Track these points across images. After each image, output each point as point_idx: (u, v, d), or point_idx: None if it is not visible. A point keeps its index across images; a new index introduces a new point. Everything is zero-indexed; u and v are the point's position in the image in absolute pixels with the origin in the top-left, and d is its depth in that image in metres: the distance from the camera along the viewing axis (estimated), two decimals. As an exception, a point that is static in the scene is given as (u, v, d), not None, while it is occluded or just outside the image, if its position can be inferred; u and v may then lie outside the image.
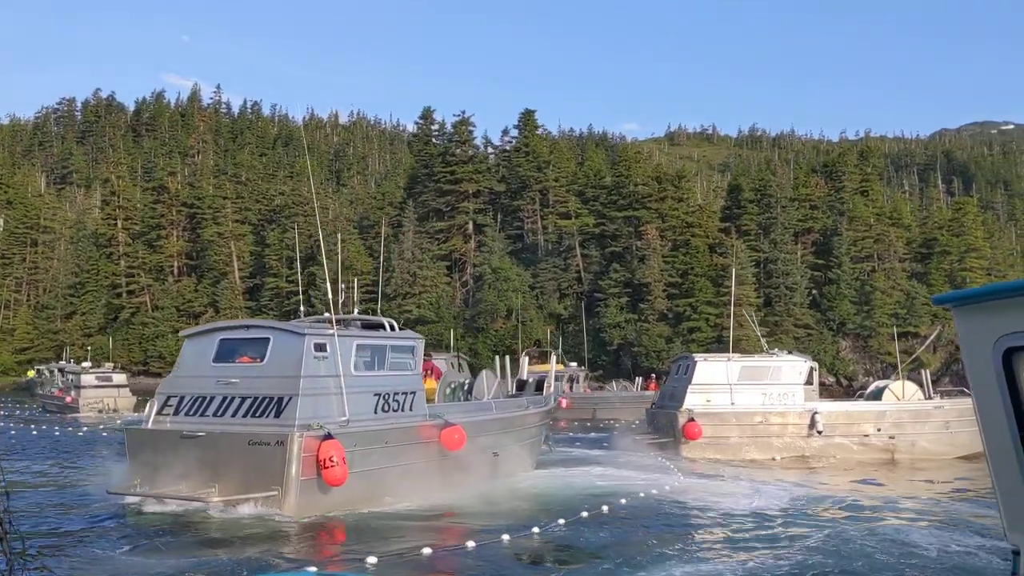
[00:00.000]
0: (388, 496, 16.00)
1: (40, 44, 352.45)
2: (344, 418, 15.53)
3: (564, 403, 43.15)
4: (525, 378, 28.84)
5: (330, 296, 16.53)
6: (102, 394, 47.24)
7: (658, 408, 30.88)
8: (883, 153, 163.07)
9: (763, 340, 31.61)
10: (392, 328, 18.21)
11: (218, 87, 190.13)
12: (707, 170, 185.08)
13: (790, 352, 30.95)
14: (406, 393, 17.24)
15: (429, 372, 26.76)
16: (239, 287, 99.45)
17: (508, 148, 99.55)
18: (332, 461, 14.38)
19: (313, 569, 9.74)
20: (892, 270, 77.53)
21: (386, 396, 16.76)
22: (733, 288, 37.32)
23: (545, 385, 25.12)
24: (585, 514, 15.34)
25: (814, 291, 78.65)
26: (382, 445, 16.19)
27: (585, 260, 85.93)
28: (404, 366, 17.52)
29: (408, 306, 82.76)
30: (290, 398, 15.05)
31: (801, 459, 27.08)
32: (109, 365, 61.94)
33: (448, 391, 22.67)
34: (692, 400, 27.63)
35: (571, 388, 49.23)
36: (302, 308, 19.83)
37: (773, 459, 27.09)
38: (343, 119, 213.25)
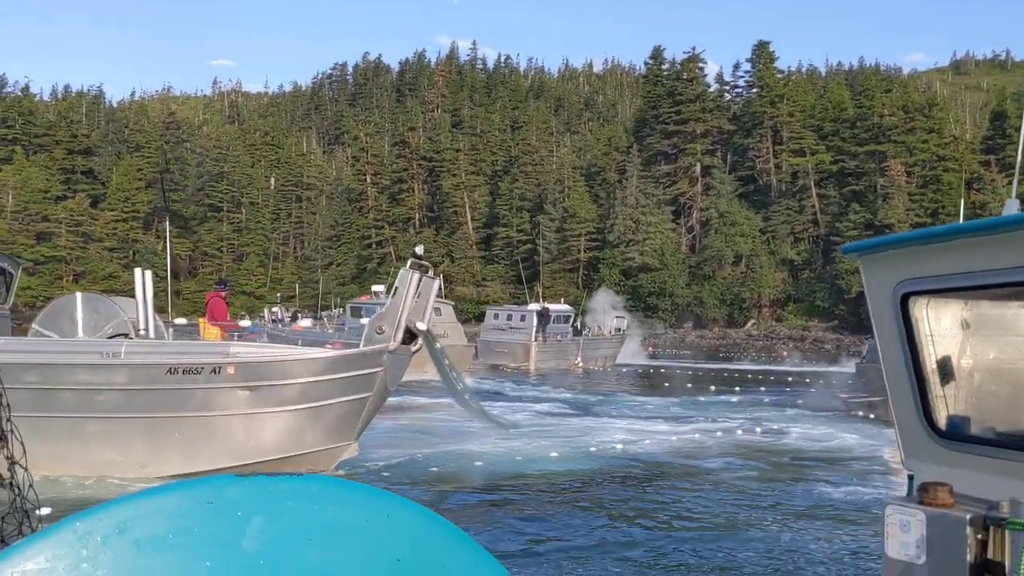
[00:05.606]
0: None
1: (317, 13, 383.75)
2: None
3: None
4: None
5: None
6: None
7: (869, 362, 27.68)
8: None
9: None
10: None
11: (474, 43, 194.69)
12: (998, 100, 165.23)
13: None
14: None
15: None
16: (473, 237, 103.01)
17: (741, 84, 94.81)
18: None
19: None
20: None
21: None
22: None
23: (369, 325, 13.52)
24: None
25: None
26: None
27: (822, 201, 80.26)
28: None
29: (631, 253, 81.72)
30: None
31: None
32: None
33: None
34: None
35: None
36: None
37: None
38: (597, 68, 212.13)
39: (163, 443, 12.55)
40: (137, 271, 14.54)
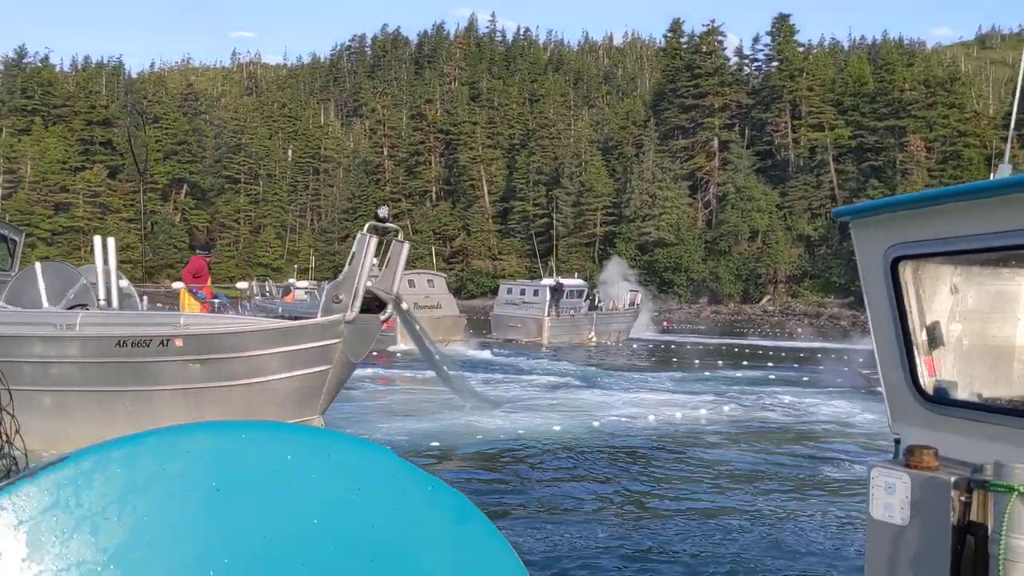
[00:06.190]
0: None
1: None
2: None
3: None
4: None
5: None
6: None
7: None
8: None
9: None
10: None
11: (493, 15, 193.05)
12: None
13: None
14: None
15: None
16: (489, 211, 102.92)
17: (760, 57, 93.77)
18: None
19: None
20: None
21: None
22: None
23: (326, 294, 12.52)
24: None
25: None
26: None
27: (840, 176, 79.54)
28: None
29: (647, 228, 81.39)
30: None
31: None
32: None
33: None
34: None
35: None
36: None
37: None
38: (617, 40, 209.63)
39: (115, 417, 11.96)
40: (97, 239, 13.90)
